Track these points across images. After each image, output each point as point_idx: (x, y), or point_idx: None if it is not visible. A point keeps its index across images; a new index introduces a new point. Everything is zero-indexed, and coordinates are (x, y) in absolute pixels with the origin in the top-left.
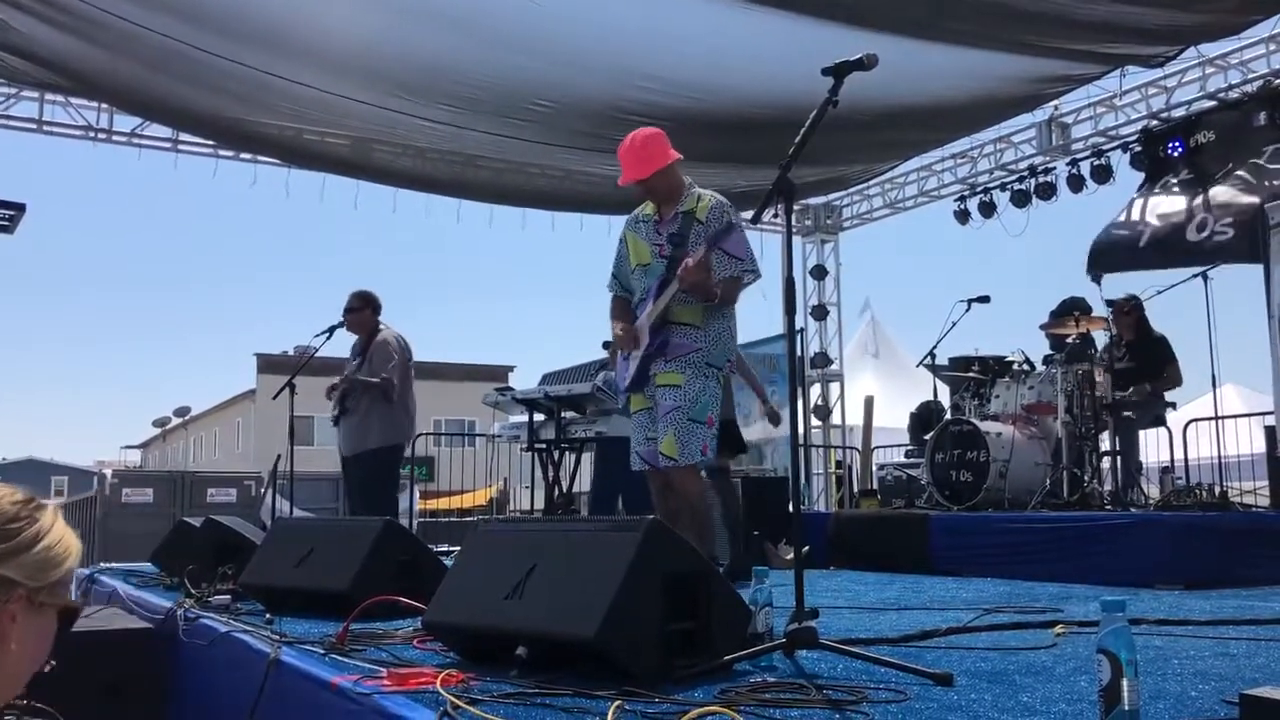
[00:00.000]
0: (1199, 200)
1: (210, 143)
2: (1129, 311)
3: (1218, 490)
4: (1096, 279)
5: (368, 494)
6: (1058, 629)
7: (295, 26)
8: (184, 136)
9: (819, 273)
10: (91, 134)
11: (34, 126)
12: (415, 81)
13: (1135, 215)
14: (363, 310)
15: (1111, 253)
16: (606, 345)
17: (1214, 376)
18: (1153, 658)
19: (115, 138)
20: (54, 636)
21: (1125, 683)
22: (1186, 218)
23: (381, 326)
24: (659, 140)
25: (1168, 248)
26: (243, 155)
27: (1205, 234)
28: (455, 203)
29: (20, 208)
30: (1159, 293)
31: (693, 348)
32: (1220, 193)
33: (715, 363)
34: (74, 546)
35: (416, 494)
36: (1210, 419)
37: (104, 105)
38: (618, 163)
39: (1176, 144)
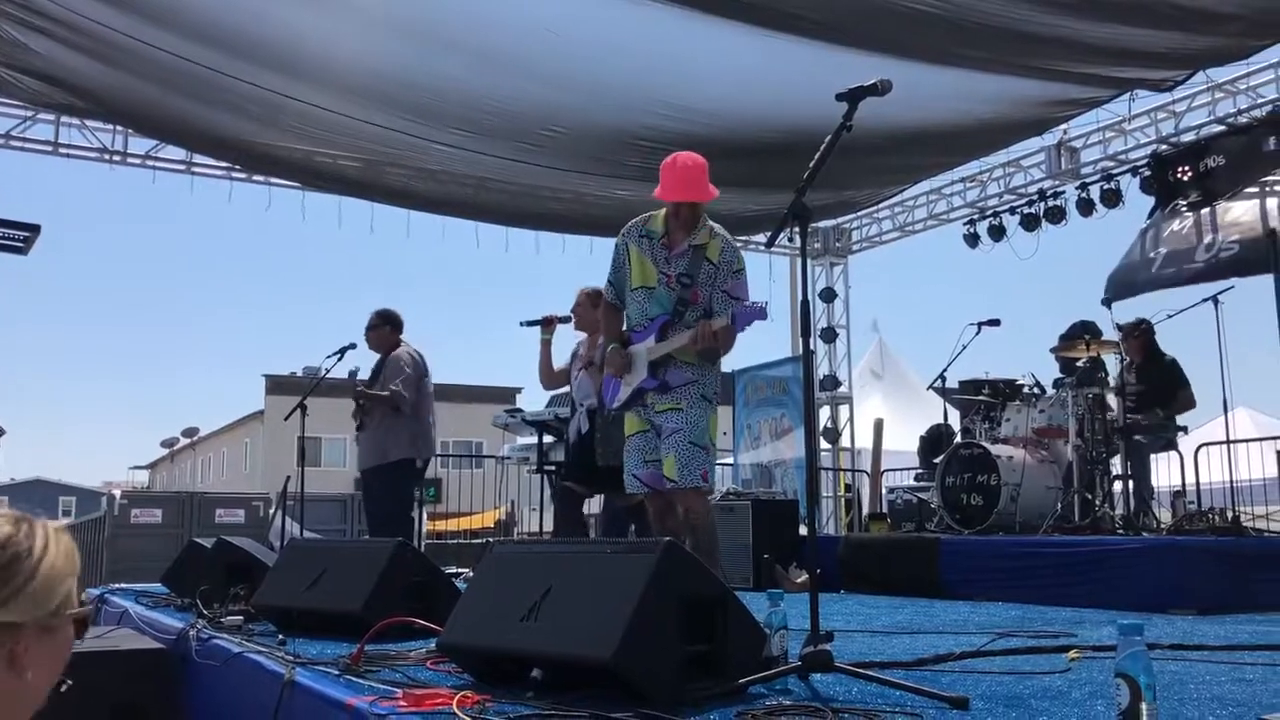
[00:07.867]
0: (1208, 221)
1: (224, 165)
2: (1138, 335)
3: (1230, 515)
4: (1107, 303)
5: (381, 510)
6: (1072, 654)
7: (308, 49)
8: (198, 159)
9: (828, 295)
10: (106, 156)
11: (49, 149)
12: (428, 106)
13: (1148, 244)
14: (381, 327)
15: (1127, 280)
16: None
17: (1225, 400)
18: (1169, 683)
19: (130, 160)
20: (72, 644)
21: (1144, 706)
22: (1196, 239)
23: (402, 344)
24: (706, 173)
25: (1179, 267)
26: (256, 178)
27: (1213, 252)
28: (472, 227)
29: (35, 229)
30: (1169, 316)
31: (689, 380)
32: (1228, 210)
33: (708, 395)
34: (71, 564)
35: (424, 515)
36: (1222, 443)
37: (119, 128)
38: (629, 186)
39: (1186, 168)
